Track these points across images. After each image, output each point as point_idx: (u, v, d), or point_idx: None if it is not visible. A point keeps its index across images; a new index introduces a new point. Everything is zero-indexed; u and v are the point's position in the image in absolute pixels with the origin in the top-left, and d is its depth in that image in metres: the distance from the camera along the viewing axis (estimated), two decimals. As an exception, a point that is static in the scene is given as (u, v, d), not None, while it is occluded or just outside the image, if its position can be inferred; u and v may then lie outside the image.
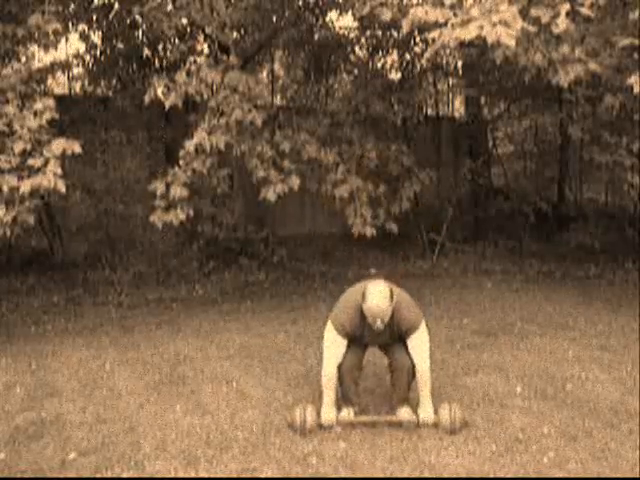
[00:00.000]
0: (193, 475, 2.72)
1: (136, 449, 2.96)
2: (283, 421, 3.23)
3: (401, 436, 3.02)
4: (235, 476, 2.70)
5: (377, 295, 2.93)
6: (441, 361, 4.17)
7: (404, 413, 3.19)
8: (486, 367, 4.03)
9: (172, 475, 2.72)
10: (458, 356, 4.29)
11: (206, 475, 2.72)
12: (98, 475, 2.74)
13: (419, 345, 3.13)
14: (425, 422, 3.11)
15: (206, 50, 8.17)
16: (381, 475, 2.68)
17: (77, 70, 8.50)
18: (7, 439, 3.09)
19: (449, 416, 3.05)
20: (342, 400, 3.27)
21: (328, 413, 3.13)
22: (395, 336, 3.15)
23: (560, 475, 2.64)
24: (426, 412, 3.12)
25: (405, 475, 2.67)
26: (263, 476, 2.69)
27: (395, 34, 8.36)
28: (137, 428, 3.20)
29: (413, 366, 3.15)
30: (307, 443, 2.97)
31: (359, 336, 3.14)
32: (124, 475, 2.73)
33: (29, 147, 4.30)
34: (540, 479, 2.62)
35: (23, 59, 4.83)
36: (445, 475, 2.66)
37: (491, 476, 2.64)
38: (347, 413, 3.23)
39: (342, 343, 3.13)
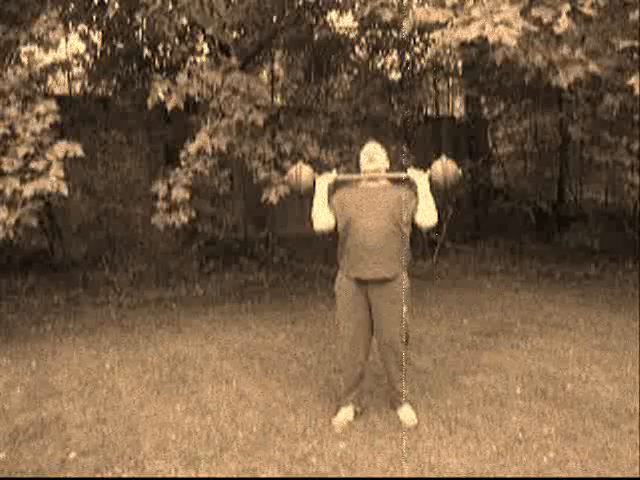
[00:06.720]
0: (193, 475, 2.72)
1: (136, 449, 2.96)
2: (283, 421, 3.23)
3: (401, 436, 3.02)
4: (235, 476, 2.70)
5: (373, 142, 3.28)
6: (441, 361, 4.18)
7: (405, 413, 3.19)
8: (486, 367, 4.03)
9: (172, 475, 2.72)
10: (458, 356, 4.29)
11: (206, 475, 2.72)
12: (98, 475, 2.74)
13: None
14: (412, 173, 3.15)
15: (206, 50, 8.18)
16: (381, 475, 2.68)
17: (77, 70, 8.52)
18: (7, 439, 3.09)
19: (441, 167, 3.07)
20: (341, 400, 3.27)
21: (325, 174, 3.25)
22: (391, 206, 3.09)
23: (560, 475, 2.64)
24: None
25: (405, 475, 2.67)
26: (263, 476, 2.69)
27: (395, 34, 8.38)
28: (137, 428, 3.20)
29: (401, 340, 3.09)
30: (307, 443, 2.97)
31: (351, 209, 3.10)
32: (124, 475, 2.73)
33: (32, 151, 4.30)
34: (540, 479, 2.63)
35: (24, 60, 4.82)
36: (445, 475, 2.66)
37: (491, 476, 2.64)
38: (346, 413, 3.23)
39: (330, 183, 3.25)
